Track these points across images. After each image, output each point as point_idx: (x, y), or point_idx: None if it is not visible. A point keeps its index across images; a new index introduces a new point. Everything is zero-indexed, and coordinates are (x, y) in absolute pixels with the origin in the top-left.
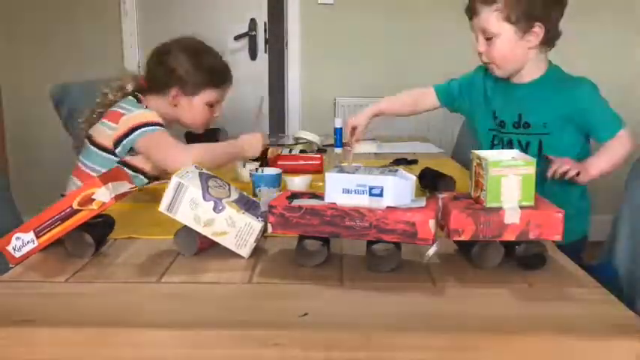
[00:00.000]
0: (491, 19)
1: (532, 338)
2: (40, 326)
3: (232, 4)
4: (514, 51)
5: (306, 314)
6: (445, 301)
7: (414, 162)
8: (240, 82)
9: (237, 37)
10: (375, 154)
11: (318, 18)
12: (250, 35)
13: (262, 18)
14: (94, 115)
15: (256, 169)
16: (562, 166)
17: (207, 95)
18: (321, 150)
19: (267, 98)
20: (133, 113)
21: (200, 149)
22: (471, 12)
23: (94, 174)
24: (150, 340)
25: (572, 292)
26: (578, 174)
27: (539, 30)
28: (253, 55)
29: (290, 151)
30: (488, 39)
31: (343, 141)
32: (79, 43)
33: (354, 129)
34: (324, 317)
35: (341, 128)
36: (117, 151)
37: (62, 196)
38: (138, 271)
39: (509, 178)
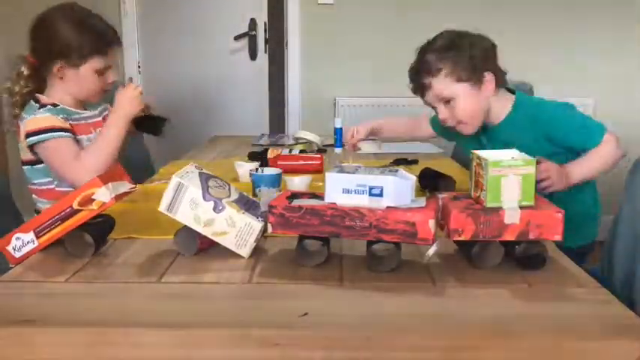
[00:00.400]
0: (445, 85)
1: (532, 338)
2: (40, 326)
3: (232, 4)
4: (477, 105)
5: (306, 314)
6: (445, 301)
7: (414, 162)
8: (240, 82)
9: (237, 37)
10: (375, 154)
11: (318, 18)
12: (250, 35)
13: (262, 18)
14: (15, 118)
15: (256, 169)
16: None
17: (94, 63)
18: (321, 150)
19: (268, 98)
20: (25, 120)
21: (92, 154)
22: (422, 89)
23: (49, 187)
24: (150, 340)
25: (572, 292)
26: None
27: (490, 77)
28: (253, 55)
29: (290, 151)
30: (447, 103)
31: (343, 142)
32: None
33: (352, 136)
34: (324, 317)
35: (341, 128)
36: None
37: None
38: (138, 271)
39: (509, 178)
